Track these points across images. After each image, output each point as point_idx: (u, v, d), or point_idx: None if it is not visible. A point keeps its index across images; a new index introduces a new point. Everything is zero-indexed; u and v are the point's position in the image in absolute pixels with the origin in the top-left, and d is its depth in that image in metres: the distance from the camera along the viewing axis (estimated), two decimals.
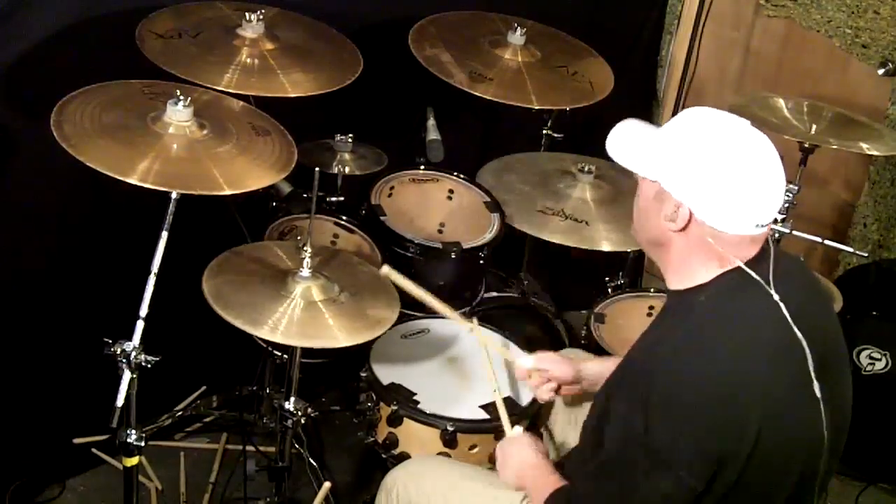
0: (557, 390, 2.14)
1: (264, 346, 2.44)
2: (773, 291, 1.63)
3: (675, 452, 1.56)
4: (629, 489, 1.62)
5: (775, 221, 2.67)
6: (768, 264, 1.65)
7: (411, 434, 2.21)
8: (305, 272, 2.12)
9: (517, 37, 2.80)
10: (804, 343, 1.62)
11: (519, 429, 2.04)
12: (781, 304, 1.62)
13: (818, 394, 1.64)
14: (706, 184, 1.60)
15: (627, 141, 1.74)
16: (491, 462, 1.95)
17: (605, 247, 2.64)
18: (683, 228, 1.64)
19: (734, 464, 1.57)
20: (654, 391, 1.58)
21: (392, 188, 2.72)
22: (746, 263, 1.64)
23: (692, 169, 1.62)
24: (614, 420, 1.66)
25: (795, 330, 1.62)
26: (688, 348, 1.61)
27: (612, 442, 1.66)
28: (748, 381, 1.58)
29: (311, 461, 2.62)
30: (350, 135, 2.74)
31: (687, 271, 1.69)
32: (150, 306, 1.93)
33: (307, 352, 2.28)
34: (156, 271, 1.93)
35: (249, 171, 2.05)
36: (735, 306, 1.65)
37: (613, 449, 1.65)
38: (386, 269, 2.19)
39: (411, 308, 2.40)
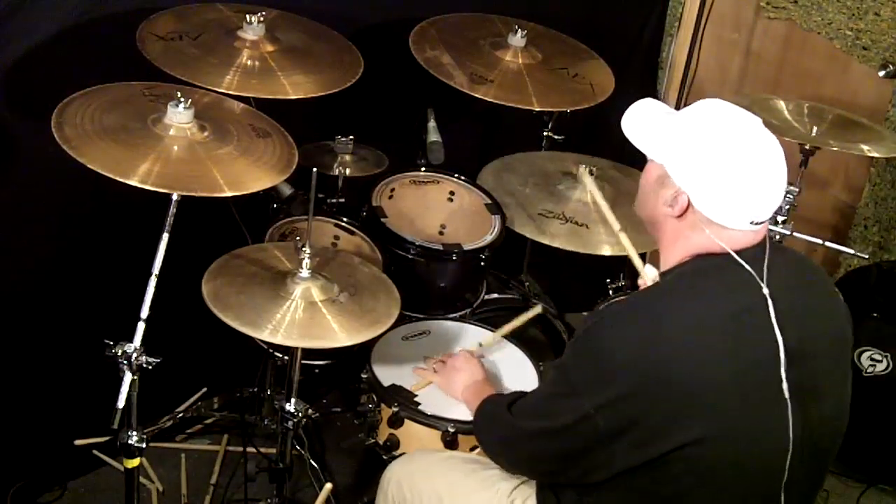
0: None
1: (265, 347, 2.45)
2: (763, 285, 1.63)
3: (589, 391, 1.63)
4: (544, 401, 1.78)
5: (775, 223, 2.68)
6: (763, 259, 1.66)
7: (412, 435, 2.21)
8: (305, 273, 2.12)
9: (518, 39, 2.80)
10: (780, 341, 1.62)
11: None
12: (769, 300, 1.63)
13: (786, 394, 1.62)
14: (708, 175, 1.63)
15: (643, 120, 1.77)
16: None
17: (606, 251, 2.61)
18: (681, 215, 1.67)
19: (653, 418, 1.59)
20: (589, 344, 1.67)
21: (393, 190, 2.72)
22: (738, 253, 1.65)
23: (697, 159, 1.64)
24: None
25: (775, 326, 1.62)
26: (635, 313, 1.66)
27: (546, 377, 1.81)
28: (688, 349, 1.59)
29: (312, 463, 2.62)
30: (351, 136, 2.74)
31: (673, 253, 1.72)
32: (151, 308, 1.93)
33: (308, 353, 2.28)
34: (157, 273, 1.93)
35: (250, 173, 2.06)
36: (706, 284, 1.66)
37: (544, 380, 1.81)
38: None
39: (412, 309, 2.41)
